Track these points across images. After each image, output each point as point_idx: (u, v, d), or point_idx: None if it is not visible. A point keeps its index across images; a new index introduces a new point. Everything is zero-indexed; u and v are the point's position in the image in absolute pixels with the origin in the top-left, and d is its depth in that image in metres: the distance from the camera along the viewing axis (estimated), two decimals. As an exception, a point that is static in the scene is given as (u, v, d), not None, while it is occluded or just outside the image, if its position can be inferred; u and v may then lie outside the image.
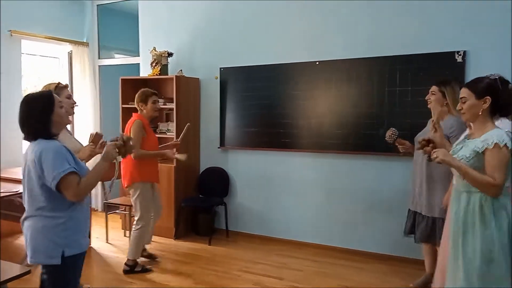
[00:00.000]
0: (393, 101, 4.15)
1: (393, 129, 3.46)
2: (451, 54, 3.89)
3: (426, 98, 3.40)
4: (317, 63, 4.50)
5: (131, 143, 2.38)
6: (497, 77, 2.31)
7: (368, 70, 4.27)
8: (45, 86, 3.23)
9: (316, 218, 4.68)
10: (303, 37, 4.61)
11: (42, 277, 2.28)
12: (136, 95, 4.06)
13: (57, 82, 3.27)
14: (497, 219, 2.21)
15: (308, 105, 4.58)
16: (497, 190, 2.19)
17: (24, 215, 2.25)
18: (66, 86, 3.28)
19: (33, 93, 2.26)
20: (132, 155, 3.72)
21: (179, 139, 4.30)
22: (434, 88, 3.34)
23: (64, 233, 2.19)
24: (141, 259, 4.13)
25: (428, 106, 3.39)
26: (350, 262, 4.26)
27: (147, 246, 4.35)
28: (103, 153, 2.31)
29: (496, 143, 2.16)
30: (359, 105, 4.33)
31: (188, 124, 4.30)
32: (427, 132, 3.08)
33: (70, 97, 3.27)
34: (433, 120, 3.00)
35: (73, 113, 3.34)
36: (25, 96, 2.24)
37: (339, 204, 4.55)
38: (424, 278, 3.59)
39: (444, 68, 3.92)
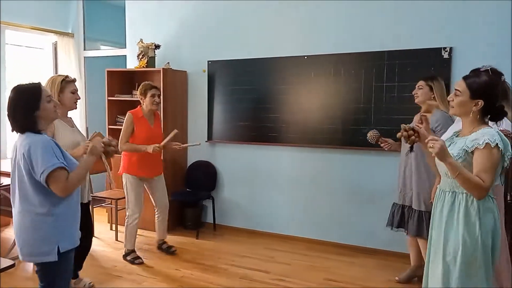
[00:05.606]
0: (380, 96, 4.18)
1: (375, 130, 3.49)
2: (438, 50, 3.93)
3: (413, 93, 3.47)
4: (306, 57, 4.50)
5: (112, 146, 2.45)
6: (488, 68, 2.15)
7: (356, 65, 4.28)
8: (51, 77, 3.17)
9: (304, 212, 4.71)
10: (292, 31, 4.60)
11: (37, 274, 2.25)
12: (138, 88, 4.12)
13: (64, 75, 3.21)
14: (482, 221, 2.09)
15: (296, 100, 4.58)
16: (483, 192, 2.05)
17: (15, 210, 2.22)
18: (73, 80, 3.21)
19: (22, 84, 2.22)
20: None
21: (162, 144, 3.99)
22: (421, 82, 3.41)
23: (57, 228, 2.17)
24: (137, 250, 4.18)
25: (415, 101, 3.45)
26: (338, 256, 4.29)
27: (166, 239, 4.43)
28: (89, 147, 2.34)
29: (487, 143, 2.01)
30: (346, 100, 4.35)
31: (175, 130, 4.03)
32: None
33: (75, 92, 3.19)
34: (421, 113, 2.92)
35: (75, 108, 3.26)
36: (14, 87, 2.20)
37: (326, 198, 4.57)
38: (409, 271, 3.65)
39: (430, 64, 3.96)
